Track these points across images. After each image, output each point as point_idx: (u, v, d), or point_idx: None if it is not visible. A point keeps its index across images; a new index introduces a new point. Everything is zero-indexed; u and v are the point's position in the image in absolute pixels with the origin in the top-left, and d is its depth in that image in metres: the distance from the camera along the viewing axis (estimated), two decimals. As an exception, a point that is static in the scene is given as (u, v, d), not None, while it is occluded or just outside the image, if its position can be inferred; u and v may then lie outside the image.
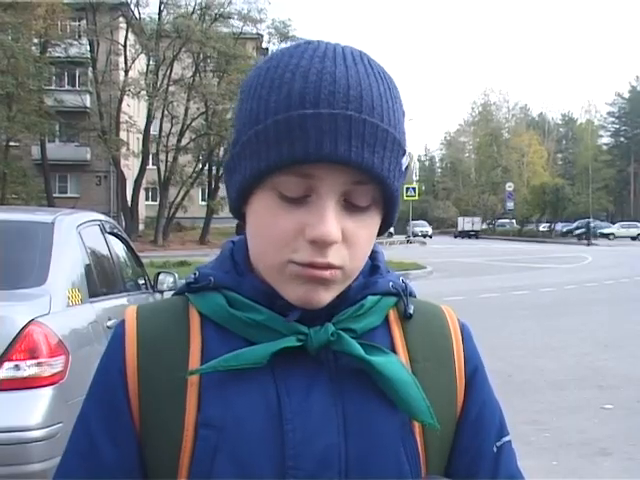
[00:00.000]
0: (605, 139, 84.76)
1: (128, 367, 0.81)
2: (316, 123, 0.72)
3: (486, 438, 0.86)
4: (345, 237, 0.76)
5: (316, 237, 0.74)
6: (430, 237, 58.05)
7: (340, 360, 0.81)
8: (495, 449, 0.86)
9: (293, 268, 0.76)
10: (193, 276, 0.86)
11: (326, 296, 0.78)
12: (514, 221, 64.04)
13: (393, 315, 0.87)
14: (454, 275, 20.32)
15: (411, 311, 0.87)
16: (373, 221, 0.79)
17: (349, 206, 0.76)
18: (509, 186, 56.99)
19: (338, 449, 0.77)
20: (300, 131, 0.73)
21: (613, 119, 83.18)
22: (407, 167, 0.81)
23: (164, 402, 0.79)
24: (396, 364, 0.80)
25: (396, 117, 0.78)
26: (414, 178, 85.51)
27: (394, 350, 0.83)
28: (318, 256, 0.75)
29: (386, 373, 0.78)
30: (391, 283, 0.86)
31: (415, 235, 55.07)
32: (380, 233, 0.84)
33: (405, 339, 0.85)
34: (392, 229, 29.54)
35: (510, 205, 56.77)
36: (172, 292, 0.92)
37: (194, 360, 0.80)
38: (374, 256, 0.88)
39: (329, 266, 0.76)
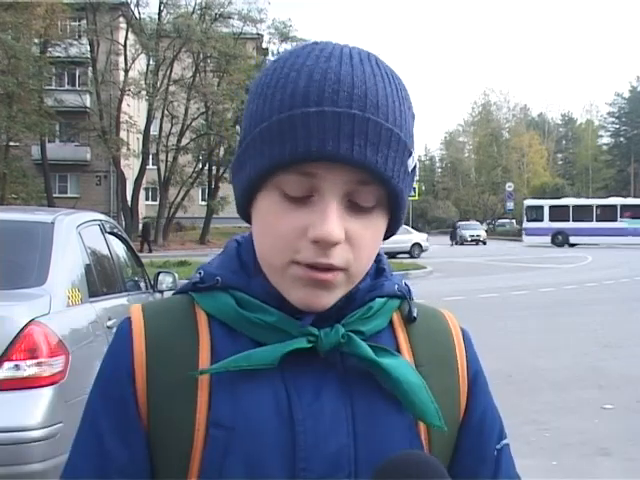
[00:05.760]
0: (605, 139, 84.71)
1: (136, 365, 0.80)
2: (319, 121, 0.72)
3: (488, 441, 0.87)
4: (349, 238, 0.75)
5: (318, 237, 0.73)
6: (484, 243, 45.36)
7: (347, 361, 0.80)
8: (495, 452, 0.87)
9: (295, 270, 0.76)
10: (198, 276, 0.85)
11: (329, 299, 0.78)
12: (514, 221, 64.01)
13: (397, 318, 0.87)
14: (454, 275, 20.32)
15: (415, 314, 0.87)
16: (378, 222, 0.78)
17: (353, 206, 0.76)
18: (509, 186, 56.91)
19: (348, 450, 0.77)
20: (303, 129, 0.72)
21: (613, 119, 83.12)
22: (414, 169, 0.80)
23: (174, 401, 0.78)
24: (406, 367, 0.80)
25: (402, 117, 0.76)
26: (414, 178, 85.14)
27: (399, 353, 0.83)
28: (321, 257, 0.74)
29: (396, 376, 0.78)
30: (397, 286, 0.86)
31: (464, 240, 45.99)
32: (386, 237, 0.83)
33: (410, 342, 0.85)
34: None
35: (510, 205, 56.72)
36: (173, 291, 0.91)
37: (204, 359, 0.79)
38: (378, 259, 0.88)
39: (331, 267, 0.75)
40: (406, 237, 27.95)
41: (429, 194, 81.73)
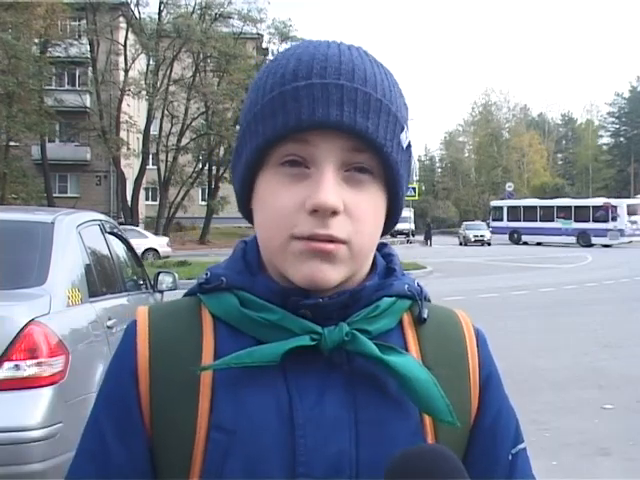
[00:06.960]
0: (605, 139, 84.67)
1: (140, 367, 0.80)
2: (308, 92, 0.74)
3: (502, 446, 0.84)
4: (347, 209, 0.75)
5: (315, 205, 0.73)
6: (489, 244, 42.48)
7: (353, 362, 0.79)
8: (510, 457, 0.84)
9: (295, 245, 0.75)
10: (205, 276, 0.85)
11: (332, 274, 0.76)
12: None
13: (407, 318, 0.85)
14: (454, 275, 20.31)
15: (425, 315, 0.85)
16: (376, 197, 0.78)
17: (350, 178, 0.76)
18: (509, 186, 56.84)
19: (349, 455, 0.76)
20: (293, 101, 0.74)
21: (613, 119, 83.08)
22: (409, 146, 0.80)
23: (176, 403, 0.78)
24: (413, 363, 0.79)
25: (392, 95, 0.78)
26: (414, 178, 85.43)
27: None
28: (320, 227, 0.74)
29: (404, 373, 0.77)
30: (407, 286, 0.85)
31: (468, 241, 43.48)
32: (389, 227, 0.83)
33: (419, 343, 0.84)
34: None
35: (510, 205, 56.63)
36: (174, 291, 0.91)
37: (207, 361, 0.79)
38: (390, 259, 0.88)
39: (331, 238, 0.75)
40: (139, 241, 20.91)
41: (429, 194, 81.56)
